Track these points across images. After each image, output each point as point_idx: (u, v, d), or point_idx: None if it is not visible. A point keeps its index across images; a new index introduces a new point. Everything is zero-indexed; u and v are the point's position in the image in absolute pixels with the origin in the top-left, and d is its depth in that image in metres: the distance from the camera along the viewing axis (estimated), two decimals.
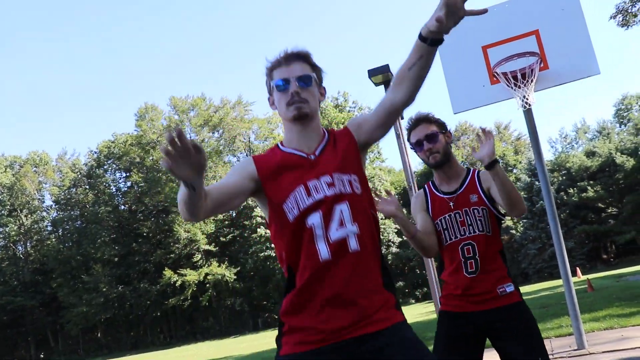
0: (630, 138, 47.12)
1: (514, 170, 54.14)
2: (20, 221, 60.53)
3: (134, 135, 57.80)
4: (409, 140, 3.15)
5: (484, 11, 1.92)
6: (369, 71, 9.03)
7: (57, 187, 61.46)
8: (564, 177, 47.40)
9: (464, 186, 3.03)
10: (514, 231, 46.66)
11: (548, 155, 55.20)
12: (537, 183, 45.30)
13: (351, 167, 2.11)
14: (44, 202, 62.90)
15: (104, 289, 51.69)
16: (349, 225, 2.01)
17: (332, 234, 1.99)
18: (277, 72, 2.17)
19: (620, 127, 53.56)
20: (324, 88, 2.28)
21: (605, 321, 8.38)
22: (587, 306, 11.11)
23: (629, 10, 15.40)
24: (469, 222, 2.95)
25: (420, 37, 1.94)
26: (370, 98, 70.30)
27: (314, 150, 2.15)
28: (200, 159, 1.73)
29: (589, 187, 45.05)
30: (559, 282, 30.08)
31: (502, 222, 3.07)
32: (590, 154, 48.29)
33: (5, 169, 60.81)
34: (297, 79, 2.13)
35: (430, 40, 1.92)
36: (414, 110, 2.97)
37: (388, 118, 2.13)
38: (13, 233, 60.07)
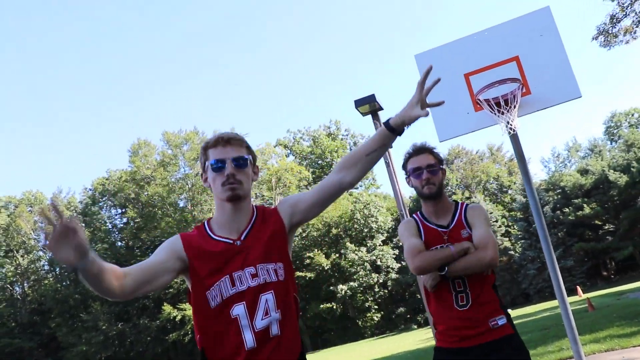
0: (622, 155, 47.36)
1: (509, 191, 54.24)
2: (17, 261, 60.20)
3: (128, 171, 57.83)
4: (405, 166, 3.19)
5: (441, 103, 2.24)
6: (355, 101, 9.13)
7: (52, 226, 61.22)
8: (559, 196, 47.50)
9: (455, 221, 3.05)
10: (512, 252, 46.56)
11: (542, 174, 55.44)
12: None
13: (277, 256, 2.18)
14: (39, 241, 62.60)
15: (104, 327, 51.24)
16: (272, 313, 2.09)
17: (257, 323, 2.07)
18: (212, 152, 2.23)
19: (611, 144, 53.93)
20: (258, 167, 2.37)
21: (606, 342, 8.35)
22: (587, 326, 11.08)
23: (610, 32, 15.60)
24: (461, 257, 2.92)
25: (389, 127, 2.09)
26: (359, 126, 70.53)
27: (241, 234, 2.20)
28: (78, 239, 1.76)
29: (584, 205, 45.13)
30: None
31: None
32: (583, 171, 48.47)
33: (0, 209, 60.69)
34: (232, 160, 2.20)
35: (399, 131, 2.10)
36: (409, 139, 2.96)
37: (330, 198, 2.25)
38: (10, 274, 59.72)
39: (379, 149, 2.16)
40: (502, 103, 5.73)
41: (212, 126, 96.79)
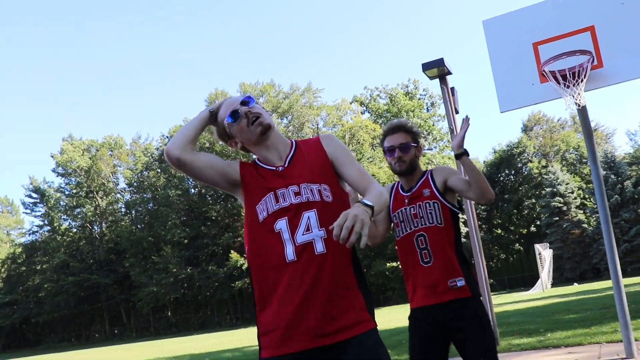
0: None
1: (588, 162, 52.28)
2: (97, 202, 63.22)
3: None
4: (382, 143, 3.35)
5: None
6: (423, 65, 8.92)
7: (130, 170, 63.70)
8: None
9: (419, 184, 3.23)
10: (585, 225, 45.12)
11: (626, 147, 52.98)
12: (612, 177, 43.63)
13: (321, 177, 2.28)
14: (118, 184, 65.42)
15: (174, 270, 53.28)
16: (315, 230, 2.15)
17: (298, 238, 2.14)
18: (224, 109, 2.39)
19: None
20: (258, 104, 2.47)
21: None
22: None
23: None
24: (421, 215, 3.12)
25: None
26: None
27: (284, 161, 2.34)
28: None
29: None
30: (634, 280, 28.97)
31: (458, 215, 3.21)
32: None
33: (83, 152, 63.50)
34: (241, 104, 2.35)
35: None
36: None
37: (353, 188, 2.36)
38: (90, 214, 62.86)
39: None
40: (569, 76, 5.47)
41: (289, 79, 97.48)
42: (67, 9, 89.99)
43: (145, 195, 61.77)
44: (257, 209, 2.24)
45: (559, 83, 5.58)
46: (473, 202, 7.84)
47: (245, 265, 49.64)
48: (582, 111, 6.27)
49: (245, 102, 2.34)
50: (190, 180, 62.45)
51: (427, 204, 3.13)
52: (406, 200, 3.20)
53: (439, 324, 3.03)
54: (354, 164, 2.36)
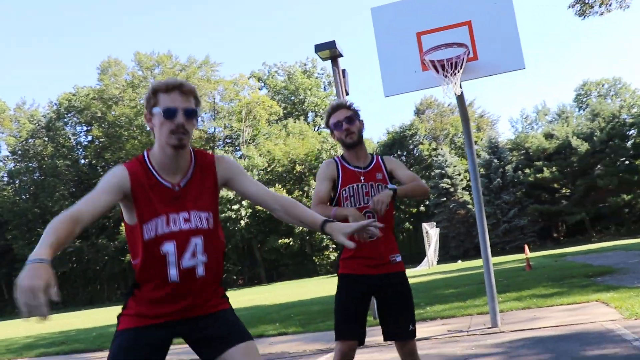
0: (587, 123, 48.03)
1: (475, 147, 54.86)
2: None
3: (96, 89, 56.79)
4: (327, 123, 3.55)
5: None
6: (315, 46, 9.17)
7: (14, 137, 60.21)
8: (522, 157, 48.33)
9: (372, 165, 3.48)
10: (470, 206, 47.55)
11: (508, 134, 56.04)
12: (495, 161, 46.18)
13: (208, 206, 2.39)
14: (0, 152, 61.77)
15: None
16: (199, 255, 2.33)
17: (184, 262, 2.30)
18: (164, 98, 2.31)
19: (579, 111, 54.63)
20: (198, 121, 2.50)
21: (525, 301, 8.79)
22: (518, 285, 11.60)
23: (586, 1, 15.70)
24: (372, 194, 3.37)
25: (321, 227, 2.39)
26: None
27: (180, 180, 2.36)
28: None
29: (545, 168, 45.99)
30: (509, 257, 31.01)
31: (396, 202, 3.51)
32: (548, 135, 49.14)
33: None
34: (184, 111, 2.30)
35: (325, 233, 2.39)
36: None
37: (257, 203, 2.52)
38: None
39: (308, 226, 2.49)
40: (447, 66, 5.88)
41: (187, 52, 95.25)
42: None
43: (30, 165, 58.69)
44: (144, 228, 2.27)
45: (438, 72, 5.99)
46: None
47: None
48: (460, 99, 6.75)
49: (188, 112, 2.31)
50: (81, 149, 60.13)
51: (380, 186, 3.39)
52: (362, 178, 3.42)
53: (373, 290, 3.37)
54: (253, 181, 2.52)
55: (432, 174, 50.51)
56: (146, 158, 2.36)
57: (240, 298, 24.21)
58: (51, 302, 1.81)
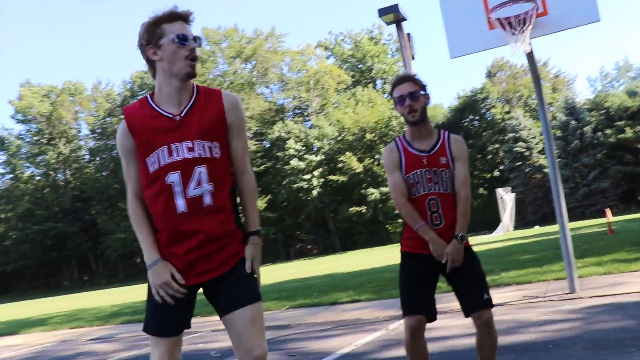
0: None
1: (551, 108, 53.04)
2: (59, 149, 62.15)
3: None
4: (391, 94, 3.38)
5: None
6: (379, 10, 8.97)
7: (92, 116, 62.56)
8: (602, 117, 46.31)
9: (436, 147, 3.30)
10: (547, 170, 46.16)
11: (587, 93, 53.78)
12: (572, 122, 44.44)
13: (213, 135, 2.35)
14: (80, 131, 64.32)
15: None
16: (205, 184, 2.30)
17: (189, 191, 2.29)
18: (171, 27, 2.32)
19: None
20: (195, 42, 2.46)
21: (606, 266, 8.44)
22: (597, 250, 11.16)
23: None
24: (436, 181, 3.24)
25: (246, 236, 2.43)
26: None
27: (182, 110, 2.35)
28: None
29: (627, 128, 44.00)
30: (589, 222, 29.94)
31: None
32: (631, 93, 46.90)
33: (42, 98, 61.97)
34: (194, 38, 2.34)
35: None
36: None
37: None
38: (53, 161, 61.89)
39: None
40: (515, 23, 5.62)
41: (253, 24, 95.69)
42: None
43: (109, 142, 60.92)
44: (147, 161, 2.31)
45: (505, 30, 5.74)
46: None
47: None
48: (530, 57, 6.46)
49: (198, 39, 2.36)
50: None
51: (443, 172, 3.26)
52: (424, 161, 3.29)
53: (438, 267, 3.28)
54: (243, 139, 2.47)
55: (506, 137, 49.28)
56: (148, 97, 2.40)
57: (314, 267, 24.47)
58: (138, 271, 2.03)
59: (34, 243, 58.53)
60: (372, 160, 52.02)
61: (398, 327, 6.18)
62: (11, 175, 64.02)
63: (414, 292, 3.27)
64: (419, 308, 3.23)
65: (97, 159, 62.41)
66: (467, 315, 3.27)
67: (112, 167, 59.81)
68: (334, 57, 64.49)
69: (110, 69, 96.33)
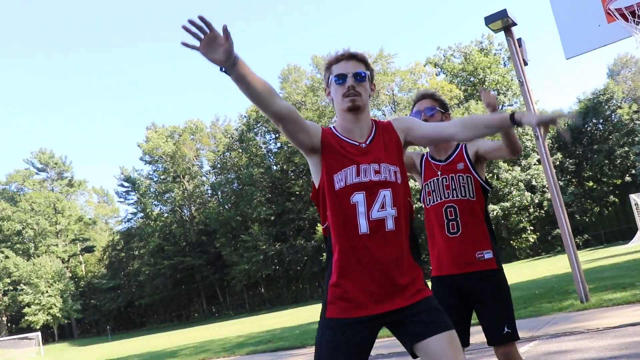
0: None
1: None
2: (184, 186, 65.30)
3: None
4: (412, 109, 3.51)
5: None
6: (485, 18, 8.58)
7: (212, 152, 65.23)
8: None
9: (453, 156, 3.34)
10: None
11: None
12: None
13: (396, 160, 2.44)
14: (202, 167, 67.23)
15: (263, 247, 54.40)
16: (389, 208, 2.33)
17: (373, 214, 2.31)
18: (336, 67, 2.49)
19: None
20: (374, 85, 2.61)
21: None
22: None
23: None
24: (454, 187, 3.24)
25: (512, 119, 2.33)
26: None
27: (365, 139, 2.46)
28: (229, 45, 2.10)
29: None
30: None
31: (488, 191, 3.33)
32: None
33: (167, 139, 65.55)
34: (353, 74, 2.45)
35: (518, 124, 2.34)
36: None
37: (439, 141, 2.56)
38: (178, 198, 65.14)
39: (496, 127, 2.43)
40: (638, 11, 5.08)
41: (362, 47, 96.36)
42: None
43: (229, 176, 63.16)
44: (335, 178, 2.36)
45: (627, 20, 5.20)
46: (550, 157, 7.53)
47: None
48: None
49: (357, 76, 2.44)
50: (272, 157, 63.45)
51: (461, 177, 3.25)
52: (439, 171, 3.31)
53: (463, 293, 3.19)
54: (426, 124, 2.54)
55: (637, 139, 46.05)
56: (332, 127, 2.52)
57: None
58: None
59: (165, 277, 61.60)
60: (490, 175, 50.37)
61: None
62: (142, 214, 68.00)
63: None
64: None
65: (219, 192, 64.83)
66: (489, 344, 3.19)
67: (233, 200, 61.84)
68: (444, 72, 63.41)
69: (227, 104, 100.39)
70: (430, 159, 3.39)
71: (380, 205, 2.31)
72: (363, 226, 2.29)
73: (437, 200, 3.27)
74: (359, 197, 2.31)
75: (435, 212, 3.27)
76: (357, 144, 2.42)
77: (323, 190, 2.38)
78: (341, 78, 2.44)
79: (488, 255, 3.18)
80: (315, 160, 2.43)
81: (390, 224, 2.31)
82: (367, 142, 2.43)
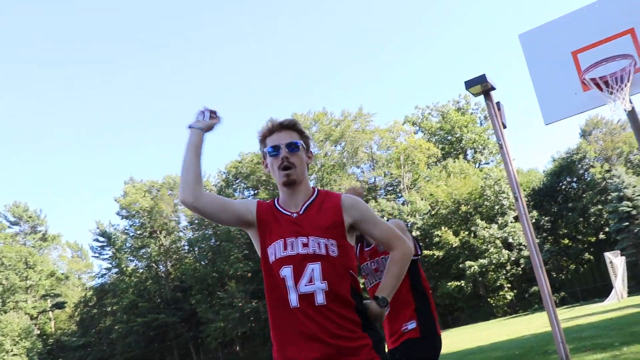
0: None
1: None
2: (160, 242, 64.55)
3: (259, 154, 59.62)
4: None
5: None
6: (465, 82, 8.81)
7: None
8: None
9: None
10: None
11: None
12: None
13: (330, 233, 2.36)
14: (179, 222, 66.66)
15: (239, 304, 53.66)
16: (317, 282, 2.27)
17: (301, 288, 2.28)
18: (269, 140, 2.51)
19: None
20: (312, 152, 2.61)
21: None
22: None
23: None
24: (381, 269, 3.40)
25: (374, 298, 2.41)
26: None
27: (299, 209, 2.44)
28: (218, 121, 2.57)
29: None
30: None
31: (416, 260, 3.46)
32: None
33: (145, 193, 65.07)
34: (286, 145, 2.45)
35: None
36: None
37: (384, 247, 2.54)
38: (154, 253, 64.22)
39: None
40: (612, 82, 5.33)
41: (340, 105, 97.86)
42: (124, 56, 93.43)
43: (206, 232, 62.65)
44: (268, 251, 2.38)
45: (602, 90, 5.45)
46: (528, 216, 7.67)
47: None
48: (631, 115, 6.08)
49: (290, 145, 2.46)
50: None
51: (384, 259, 3.37)
52: (368, 257, 3.52)
53: None
54: (379, 224, 2.48)
55: (609, 197, 46.84)
56: (274, 200, 2.54)
57: None
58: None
59: (138, 335, 59.98)
60: (467, 232, 50.69)
61: None
62: (117, 270, 66.78)
63: None
64: None
65: (196, 249, 64.18)
66: None
67: (210, 256, 61.23)
68: (422, 131, 64.64)
69: (206, 160, 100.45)
70: (363, 244, 3.61)
71: (308, 280, 2.27)
72: (293, 300, 2.27)
73: (372, 282, 3.48)
74: (286, 271, 2.29)
75: (373, 293, 3.21)
76: (290, 214, 2.42)
77: (263, 263, 2.41)
78: (275, 150, 2.45)
79: (411, 325, 3.31)
80: (253, 234, 2.48)
81: (320, 299, 2.26)
82: (301, 212, 2.42)
